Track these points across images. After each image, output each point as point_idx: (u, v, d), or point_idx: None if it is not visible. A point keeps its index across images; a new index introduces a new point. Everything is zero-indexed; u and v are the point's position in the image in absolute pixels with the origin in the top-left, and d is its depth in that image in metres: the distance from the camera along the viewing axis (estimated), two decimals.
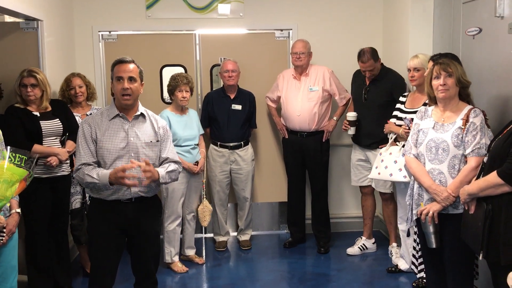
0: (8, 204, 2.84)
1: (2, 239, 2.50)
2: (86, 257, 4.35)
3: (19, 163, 2.52)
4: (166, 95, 5.04)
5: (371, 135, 4.48)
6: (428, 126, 3.14)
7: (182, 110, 4.54)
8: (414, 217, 3.21)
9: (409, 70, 4.01)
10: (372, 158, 4.51)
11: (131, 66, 2.96)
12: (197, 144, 4.62)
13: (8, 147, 2.57)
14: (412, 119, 3.51)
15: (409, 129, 3.78)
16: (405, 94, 4.20)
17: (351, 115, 4.58)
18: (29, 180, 2.61)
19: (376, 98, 4.49)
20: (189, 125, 4.55)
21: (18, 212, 2.91)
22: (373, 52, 4.44)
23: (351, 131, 4.60)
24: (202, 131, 4.74)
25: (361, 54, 4.45)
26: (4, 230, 2.66)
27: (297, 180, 5.05)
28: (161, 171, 2.97)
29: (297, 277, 4.38)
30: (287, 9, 5.28)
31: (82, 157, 2.92)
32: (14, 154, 2.53)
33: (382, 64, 4.58)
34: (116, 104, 3.01)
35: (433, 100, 3.19)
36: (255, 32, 5.31)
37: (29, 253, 3.87)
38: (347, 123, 4.61)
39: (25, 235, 3.79)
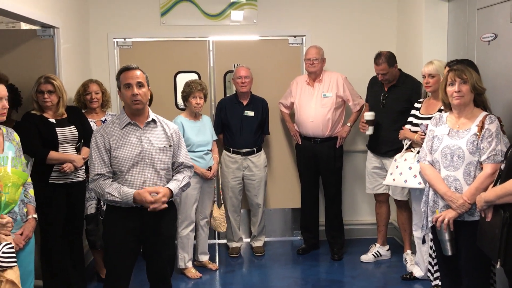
0: (25, 210, 2.88)
1: (16, 244, 2.53)
2: (100, 262, 4.38)
3: (22, 166, 2.56)
4: (180, 101, 5.07)
5: (389, 142, 4.41)
6: (443, 132, 3.12)
7: (195, 116, 4.57)
8: (430, 224, 3.18)
9: (424, 76, 3.99)
10: (388, 165, 4.46)
11: (138, 72, 2.99)
12: (210, 150, 4.64)
13: (10, 152, 2.61)
14: (428, 125, 3.49)
15: (425, 135, 3.76)
16: (420, 100, 4.18)
17: (369, 114, 4.50)
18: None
19: (394, 104, 4.45)
20: (203, 131, 4.57)
21: (35, 218, 2.95)
22: (390, 57, 4.41)
23: (370, 131, 4.51)
24: (215, 137, 4.75)
25: (376, 57, 4.44)
26: (19, 234, 2.68)
27: (311, 186, 5.04)
28: (175, 188, 3.04)
29: (311, 284, 4.36)
30: (301, 16, 5.29)
31: (96, 168, 2.94)
32: (15, 158, 2.57)
33: (400, 70, 4.56)
34: (127, 112, 3.03)
35: (448, 107, 3.17)
36: (268, 38, 5.32)
37: (44, 258, 3.90)
38: (365, 122, 4.54)
39: (40, 240, 3.82)
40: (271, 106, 5.08)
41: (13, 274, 2.15)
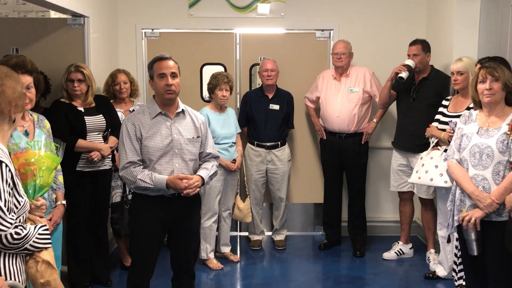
0: (54, 196, 2.93)
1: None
2: (124, 251, 4.44)
3: (55, 150, 2.61)
4: (205, 93, 5.09)
5: (417, 137, 4.33)
6: (472, 131, 3.07)
7: (221, 108, 4.58)
8: (456, 224, 3.14)
9: (452, 73, 3.93)
10: (414, 163, 4.40)
11: (171, 62, 3.01)
12: (235, 143, 4.65)
13: (43, 136, 2.66)
14: (456, 123, 3.44)
15: (453, 132, 3.70)
16: (448, 98, 4.12)
17: (410, 61, 4.40)
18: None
19: (425, 97, 4.39)
20: (227, 123, 4.58)
21: (64, 204, 3.00)
22: (425, 42, 4.41)
23: (404, 74, 4.34)
24: (239, 130, 4.76)
25: (412, 41, 4.45)
26: (48, 219, 2.73)
27: (334, 181, 5.01)
28: (205, 175, 3.07)
29: (332, 279, 4.35)
30: (328, 9, 5.25)
31: (128, 156, 2.95)
32: (48, 142, 2.63)
33: (432, 66, 4.50)
34: (157, 102, 3.04)
35: (477, 104, 3.12)
36: (295, 32, 5.30)
37: (69, 245, 3.97)
38: (404, 65, 4.37)
39: (66, 227, 3.89)
40: (297, 100, 5.06)
41: (48, 255, 2.20)
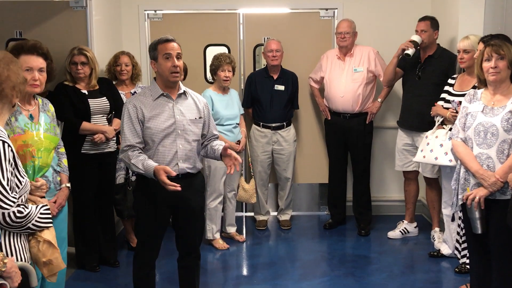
0: (58, 178, 2.96)
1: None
2: (131, 231, 4.49)
3: (53, 131, 2.63)
4: (209, 74, 5.07)
5: (422, 116, 4.29)
6: (477, 109, 3.05)
7: (224, 90, 4.57)
8: (460, 202, 3.14)
9: (458, 51, 3.90)
10: (419, 142, 4.39)
11: (176, 44, 2.99)
12: (238, 124, 4.65)
13: (42, 118, 2.68)
14: (460, 102, 3.42)
15: (456, 112, 3.69)
16: (454, 76, 4.09)
17: (416, 36, 4.36)
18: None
19: (431, 75, 4.36)
20: (231, 104, 4.58)
21: (68, 187, 3.03)
22: (434, 19, 4.39)
23: (411, 51, 4.32)
24: (242, 111, 4.76)
25: (421, 17, 4.42)
26: (53, 201, 2.77)
27: (339, 161, 5.01)
28: (219, 148, 3.08)
29: (337, 258, 4.38)
30: None
31: (127, 139, 2.96)
32: (47, 123, 2.64)
33: (438, 44, 4.47)
34: (159, 84, 3.04)
35: (483, 83, 3.09)
36: (299, 11, 5.26)
37: (77, 226, 4.02)
38: (410, 41, 4.34)
39: (73, 209, 3.93)
40: (301, 81, 5.04)
41: (49, 235, 2.24)
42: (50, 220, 2.25)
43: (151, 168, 2.85)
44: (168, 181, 2.79)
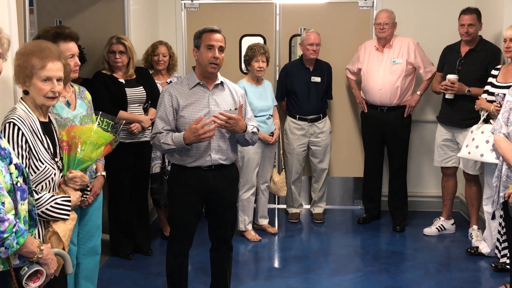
0: (94, 167, 2.99)
1: (86, 198, 2.65)
2: (164, 220, 4.52)
3: (106, 127, 2.63)
4: (244, 65, 5.05)
5: (463, 111, 4.19)
6: None
7: (257, 80, 4.54)
8: (501, 200, 3.03)
9: (504, 40, 3.75)
10: (460, 138, 4.26)
11: (220, 36, 2.97)
12: (271, 115, 4.61)
13: (100, 112, 2.69)
14: (504, 95, 3.29)
15: (500, 106, 3.55)
16: (498, 67, 3.94)
17: (453, 77, 4.24)
18: (115, 145, 2.72)
19: (472, 70, 4.23)
20: (264, 96, 4.54)
21: (103, 175, 3.05)
22: (478, 11, 4.26)
23: (450, 95, 4.26)
24: (275, 102, 4.72)
25: (465, 9, 4.28)
26: (89, 189, 2.80)
27: (375, 155, 4.92)
28: (249, 127, 3.02)
29: (371, 254, 4.31)
30: None
31: (157, 126, 2.98)
32: (102, 119, 2.65)
33: (480, 36, 4.33)
34: (197, 73, 3.03)
35: None
36: (337, 1, 5.16)
37: (112, 214, 4.07)
38: (450, 85, 4.23)
39: (108, 197, 3.98)
40: (338, 72, 4.96)
41: (61, 227, 2.24)
42: (67, 213, 2.26)
43: (180, 137, 2.85)
44: (200, 130, 2.77)
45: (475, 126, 3.92)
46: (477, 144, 3.80)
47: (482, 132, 3.81)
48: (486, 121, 3.87)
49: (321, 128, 4.86)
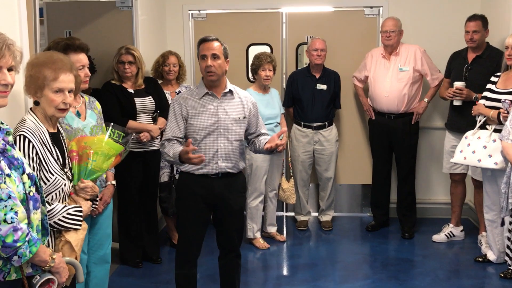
0: (104, 176, 3.01)
1: (95, 208, 2.68)
2: (173, 229, 4.54)
3: (117, 138, 2.67)
4: (251, 74, 5.08)
5: (471, 118, 4.13)
6: None
7: (264, 89, 4.57)
8: (510, 206, 3.03)
9: (506, 47, 3.76)
10: None
11: (215, 44, 2.98)
12: (279, 123, 4.64)
13: (111, 124, 2.73)
14: (511, 102, 3.29)
15: (507, 113, 3.55)
16: (498, 74, 3.94)
17: (460, 83, 4.24)
18: (124, 155, 2.75)
19: (478, 76, 4.23)
20: (271, 104, 4.57)
21: (114, 184, 3.08)
22: (484, 18, 4.26)
23: (459, 101, 4.26)
24: (283, 110, 4.74)
25: (470, 16, 4.29)
26: (98, 199, 2.83)
27: (383, 162, 4.92)
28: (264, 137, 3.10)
29: (380, 261, 4.31)
30: None
31: (167, 133, 3.02)
32: (113, 130, 2.68)
33: (487, 43, 4.33)
34: (205, 83, 3.07)
35: None
36: (343, 9, 5.20)
37: (121, 223, 4.10)
38: (458, 92, 4.24)
39: (118, 206, 4.00)
40: (345, 80, 4.98)
41: (73, 237, 2.27)
42: (79, 223, 2.29)
43: (177, 153, 2.87)
44: (191, 155, 2.77)
45: (470, 132, 3.92)
46: (474, 149, 3.80)
47: (479, 138, 3.80)
48: (482, 127, 3.87)
49: (326, 137, 4.87)
